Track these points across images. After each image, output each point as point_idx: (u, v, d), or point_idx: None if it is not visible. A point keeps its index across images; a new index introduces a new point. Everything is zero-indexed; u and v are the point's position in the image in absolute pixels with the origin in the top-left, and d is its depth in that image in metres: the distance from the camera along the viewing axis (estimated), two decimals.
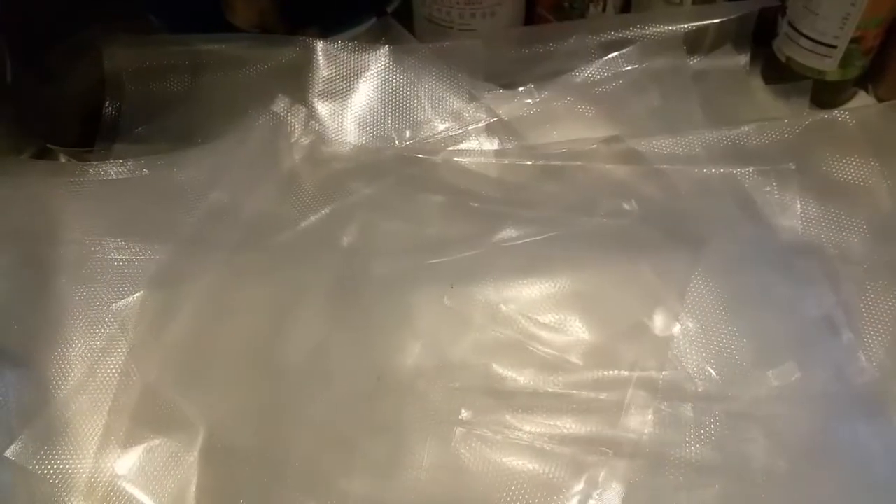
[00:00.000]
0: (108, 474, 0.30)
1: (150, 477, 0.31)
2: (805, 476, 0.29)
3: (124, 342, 0.33)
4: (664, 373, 0.30)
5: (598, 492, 0.28)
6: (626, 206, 0.35)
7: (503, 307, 0.32)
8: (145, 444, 0.31)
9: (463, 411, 0.30)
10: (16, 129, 0.39)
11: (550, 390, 0.31)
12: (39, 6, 0.39)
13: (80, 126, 0.40)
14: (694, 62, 0.41)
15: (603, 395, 0.30)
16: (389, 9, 0.45)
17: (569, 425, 0.30)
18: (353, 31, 0.43)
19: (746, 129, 0.37)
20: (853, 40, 0.42)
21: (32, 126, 0.40)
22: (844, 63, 0.43)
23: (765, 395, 0.30)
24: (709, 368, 0.30)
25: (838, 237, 0.35)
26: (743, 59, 0.42)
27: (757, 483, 0.28)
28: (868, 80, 0.46)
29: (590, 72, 0.40)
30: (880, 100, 0.45)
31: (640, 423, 0.29)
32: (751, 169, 0.36)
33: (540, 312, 0.32)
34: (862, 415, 0.31)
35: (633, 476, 0.29)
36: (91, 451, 0.31)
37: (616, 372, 0.30)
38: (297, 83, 0.39)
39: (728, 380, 0.30)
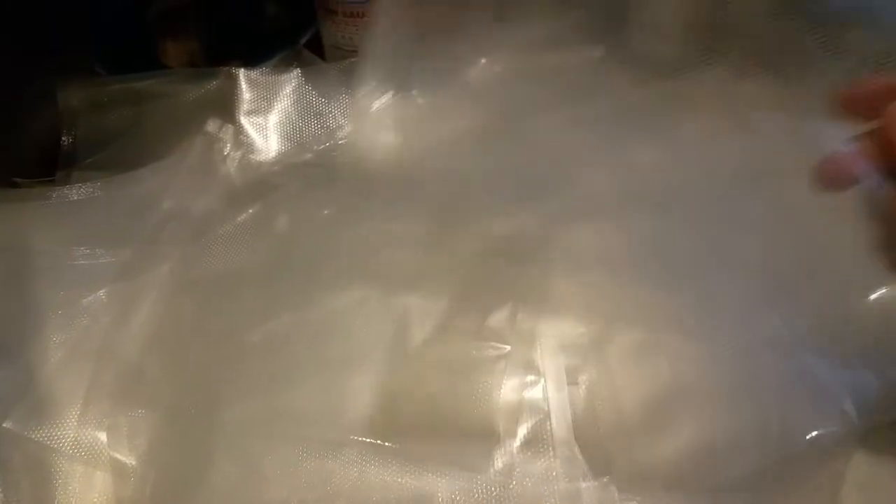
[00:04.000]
0: (89, 437, 0.36)
1: (125, 437, 0.36)
2: None
3: (96, 330, 0.39)
4: None
5: None
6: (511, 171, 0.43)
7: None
8: (119, 411, 0.37)
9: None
10: None
11: None
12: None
13: (40, 163, 0.47)
14: (555, 57, 0.49)
15: None
16: (302, 41, 0.53)
17: None
18: (270, 62, 0.51)
19: (597, 100, 0.46)
20: None
21: None
22: None
23: None
24: None
25: None
26: (598, 51, 0.51)
27: None
28: None
29: (470, 74, 0.48)
30: None
31: None
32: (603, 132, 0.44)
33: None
34: None
35: None
36: (73, 420, 0.36)
37: None
38: (225, 106, 0.46)
39: None
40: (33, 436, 0.35)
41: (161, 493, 0.35)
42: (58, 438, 0.36)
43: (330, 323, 0.37)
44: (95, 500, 0.35)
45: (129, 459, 0.35)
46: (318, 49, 0.53)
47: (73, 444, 0.36)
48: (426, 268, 0.38)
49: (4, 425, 0.35)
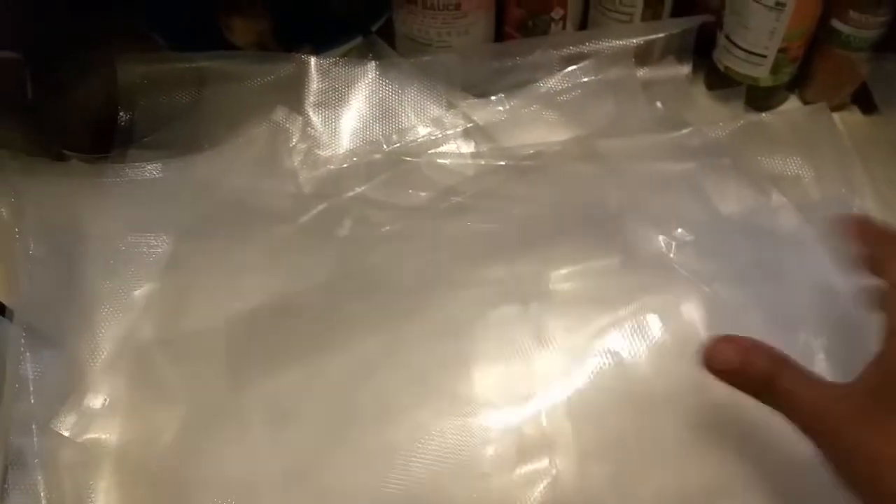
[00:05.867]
0: (136, 444, 0.34)
1: (174, 445, 0.35)
2: None
3: (146, 326, 0.37)
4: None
5: None
6: (591, 200, 0.40)
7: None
8: (164, 417, 0.35)
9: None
10: (35, 138, 0.43)
11: None
12: (55, 29, 0.44)
13: (93, 135, 0.44)
14: (642, 72, 0.46)
15: None
16: (374, 28, 0.50)
17: None
18: (341, 48, 0.48)
19: (689, 130, 0.43)
20: (780, 50, 0.48)
21: (50, 135, 0.43)
22: (775, 70, 0.49)
23: None
24: None
25: (772, 220, 0.40)
26: (685, 68, 0.48)
27: None
28: (797, 85, 0.52)
29: (552, 82, 0.45)
30: (806, 102, 0.52)
31: None
32: (694, 165, 0.42)
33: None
34: None
35: None
36: (118, 424, 0.35)
37: None
38: (294, 95, 0.43)
39: None
40: (78, 438, 0.34)
41: None
42: (102, 442, 0.34)
43: (355, 375, 0.35)
44: None
45: (171, 468, 0.33)
46: (388, 38, 0.51)
47: (117, 451, 0.34)
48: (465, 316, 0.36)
49: (51, 426, 0.33)
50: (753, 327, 0.36)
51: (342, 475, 0.33)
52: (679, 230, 0.38)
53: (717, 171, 0.41)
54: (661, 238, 0.38)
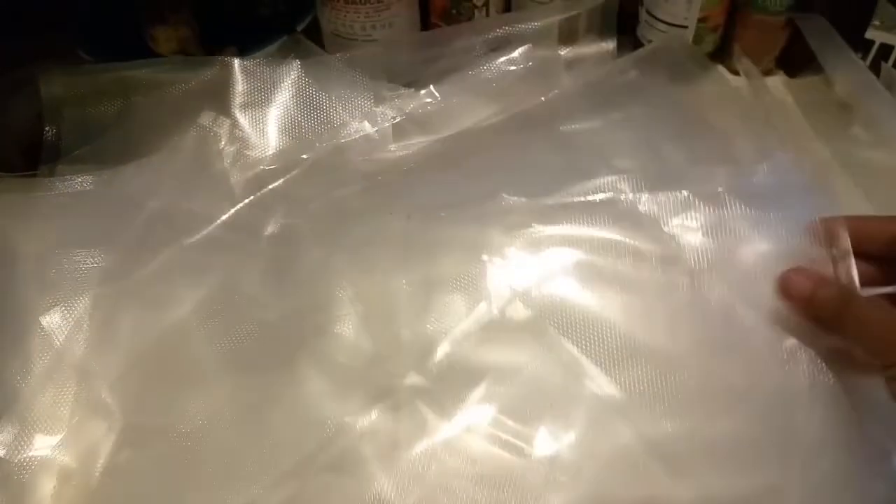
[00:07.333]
0: (72, 463, 0.34)
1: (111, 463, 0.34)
2: None
3: (80, 340, 0.37)
4: None
5: None
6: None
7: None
8: (105, 432, 0.34)
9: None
10: None
11: None
12: None
13: (21, 155, 0.44)
14: (568, 52, 0.47)
15: None
16: (299, 28, 0.50)
17: None
18: (266, 49, 0.48)
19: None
20: (700, 20, 0.49)
21: None
22: (697, 40, 0.50)
23: None
24: None
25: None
26: (610, 45, 0.49)
27: None
28: (722, 55, 0.53)
29: (478, 67, 0.45)
30: (734, 72, 0.53)
31: None
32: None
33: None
34: None
35: None
36: (54, 442, 0.34)
37: None
38: (220, 98, 0.43)
39: None
40: (13, 458, 0.33)
41: None
42: (38, 461, 0.34)
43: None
44: None
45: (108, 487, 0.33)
46: (315, 36, 0.51)
47: (54, 469, 0.34)
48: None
49: None
50: None
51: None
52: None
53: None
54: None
